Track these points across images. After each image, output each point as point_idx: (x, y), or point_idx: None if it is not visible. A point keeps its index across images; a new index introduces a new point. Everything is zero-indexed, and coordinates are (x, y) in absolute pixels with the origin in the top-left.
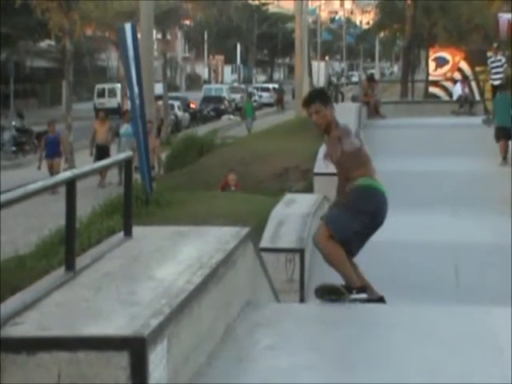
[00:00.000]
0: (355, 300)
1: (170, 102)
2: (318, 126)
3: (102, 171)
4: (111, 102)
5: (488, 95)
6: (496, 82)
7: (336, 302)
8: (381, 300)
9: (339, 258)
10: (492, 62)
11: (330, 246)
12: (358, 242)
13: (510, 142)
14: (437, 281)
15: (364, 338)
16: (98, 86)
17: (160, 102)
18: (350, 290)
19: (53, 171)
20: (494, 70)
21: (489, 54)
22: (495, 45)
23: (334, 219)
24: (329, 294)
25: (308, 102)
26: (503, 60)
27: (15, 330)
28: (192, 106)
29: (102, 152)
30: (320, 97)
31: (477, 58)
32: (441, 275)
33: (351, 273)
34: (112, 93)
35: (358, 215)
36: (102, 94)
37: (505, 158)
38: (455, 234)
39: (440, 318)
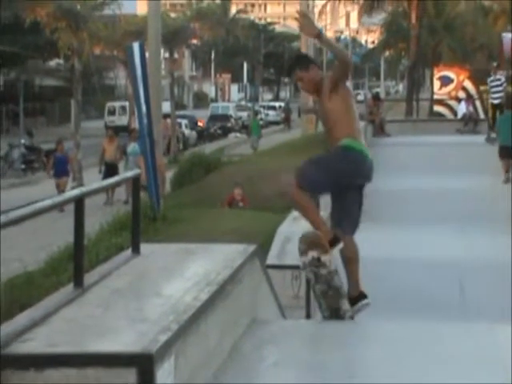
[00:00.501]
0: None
1: (178, 120)
2: (308, 92)
3: (110, 189)
4: (122, 120)
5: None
6: (496, 101)
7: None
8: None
9: (308, 206)
10: (491, 82)
11: (299, 195)
12: (345, 211)
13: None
14: (442, 297)
15: (369, 354)
16: (109, 104)
17: (168, 120)
18: (333, 242)
19: (60, 190)
20: (493, 90)
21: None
22: (494, 64)
23: (304, 174)
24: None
25: (289, 74)
26: (502, 79)
27: (24, 347)
28: (200, 124)
29: (110, 170)
30: (298, 63)
31: (481, 77)
32: (446, 292)
33: (321, 222)
34: (122, 111)
35: (333, 175)
36: (112, 112)
37: (507, 177)
38: (460, 251)
39: (445, 334)
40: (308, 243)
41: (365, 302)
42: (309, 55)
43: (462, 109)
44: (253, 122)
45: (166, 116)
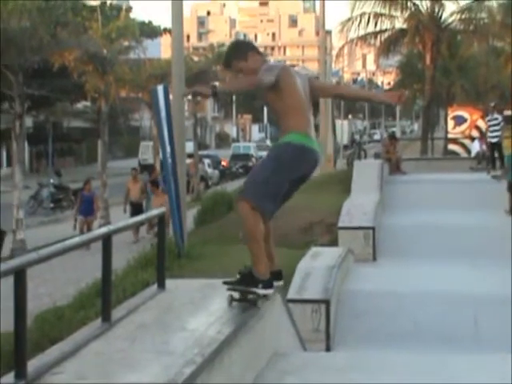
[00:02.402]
0: (260, 295)
1: (190, 160)
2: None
3: (136, 227)
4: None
5: (507, 151)
6: (494, 140)
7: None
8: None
9: (256, 237)
10: (489, 121)
11: (251, 220)
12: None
13: None
14: (456, 330)
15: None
16: (143, 144)
17: (191, 160)
18: (253, 280)
19: (86, 229)
20: (491, 129)
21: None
22: (492, 104)
23: (253, 191)
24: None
25: (227, 66)
26: (500, 118)
27: (54, 379)
28: (223, 163)
29: (135, 209)
30: (233, 54)
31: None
32: (460, 325)
33: (263, 257)
34: (154, 150)
35: (283, 173)
36: (145, 151)
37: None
38: (473, 284)
39: (459, 366)
40: None
41: (279, 283)
42: (248, 41)
43: (475, 147)
44: None
45: (189, 156)
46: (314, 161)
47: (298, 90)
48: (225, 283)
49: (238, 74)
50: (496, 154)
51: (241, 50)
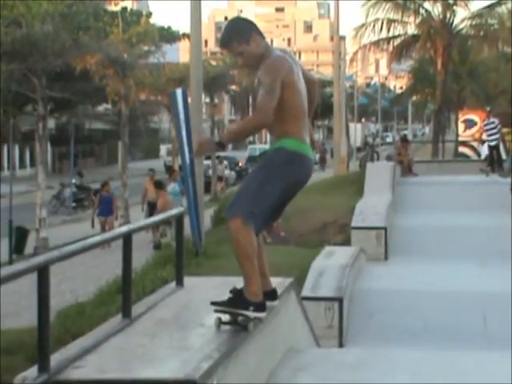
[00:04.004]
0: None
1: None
2: (249, 68)
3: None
4: (179, 160)
5: None
6: (492, 143)
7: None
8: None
9: (248, 254)
10: (486, 125)
11: (242, 235)
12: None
13: None
14: (465, 328)
15: (397, 380)
16: (168, 146)
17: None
18: (244, 302)
19: (105, 228)
20: (488, 132)
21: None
22: (488, 109)
23: (241, 206)
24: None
25: (224, 46)
26: (496, 122)
27: (76, 373)
28: (240, 164)
29: (152, 208)
30: (234, 35)
31: (503, 120)
32: (469, 323)
33: (256, 277)
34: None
35: (274, 180)
36: (170, 152)
37: None
38: (483, 284)
39: (468, 362)
40: None
41: (273, 303)
42: (250, 21)
43: (485, 150)
44: None
45: (218, 158)
46: (307, 168)
47: (299, 90)
48: (213, 304)
49: (237, 57)
50: (495, 156)
51: (243, 31)
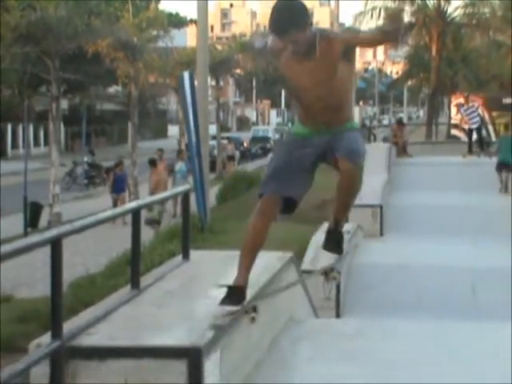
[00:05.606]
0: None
1: (223, 141)
2: (297, 56)
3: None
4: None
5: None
6: (473, 126)
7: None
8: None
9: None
10: (466, 110)
11: (253, 219)
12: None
13: (509, 175)
14: (456, 300)
15: (393, 348)
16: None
17: (225, 141)
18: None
19: (117, 205)
20: (469, 116)
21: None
22: (465, 94)
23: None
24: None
25: (282, 33)
26: (476, 105)
27: (88, 340)
28: (245, 144)
29: None
30: (297, 20)
31: (493, 104)
32: (460, 295)
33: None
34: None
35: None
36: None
37: (503, 188)
38: (472, 259)
39: (460, 333)
40: None
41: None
42: (302, 4)
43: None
44: None
45: (228, 138)
46: None
47: None
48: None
49: (288, 46)
50: (474, 139)
51: (304, 17)
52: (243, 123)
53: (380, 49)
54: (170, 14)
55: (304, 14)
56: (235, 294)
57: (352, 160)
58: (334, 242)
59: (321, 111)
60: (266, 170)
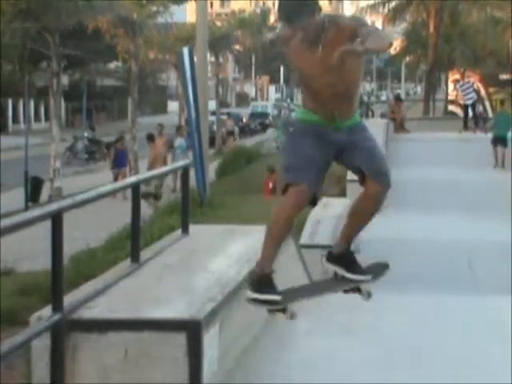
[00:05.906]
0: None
1: (222, 117)
2: (306, 43)
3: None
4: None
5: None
6: (468, 102)
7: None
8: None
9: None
10: (462, 86)
11: (282, 204)
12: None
13: (506, 150)
14: (453, 273)
15: (391, 321)
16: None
17: (225, 117)
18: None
19: (118, 179)
20: (465, 92)
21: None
22: (461, 70)
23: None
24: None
25: (292, 21)
26: (471, 81)
27: (88, 313)
28: (244, 120)
29: None
30: (308, 7)
31: (490, 80)
32: (456, 269)
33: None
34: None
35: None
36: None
37: (500, 163)
38: (468, 233)
39: (457, 306)
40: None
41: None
42: None
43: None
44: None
45: (228, 114)
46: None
47: None
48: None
49: (297, 33)
50: (469, 113)
51: (312, 4)
52: (242, 99)
53: (377, 24)
54: None
55: (312, 1)
56: (267, 281)
57: (381, 182)
58: (353, 263)
59: (330, 98)
60: (289, 157)
